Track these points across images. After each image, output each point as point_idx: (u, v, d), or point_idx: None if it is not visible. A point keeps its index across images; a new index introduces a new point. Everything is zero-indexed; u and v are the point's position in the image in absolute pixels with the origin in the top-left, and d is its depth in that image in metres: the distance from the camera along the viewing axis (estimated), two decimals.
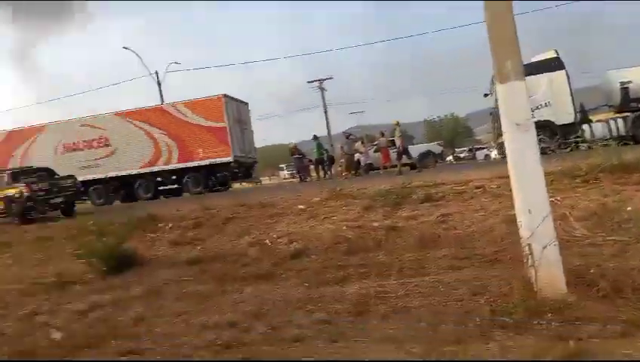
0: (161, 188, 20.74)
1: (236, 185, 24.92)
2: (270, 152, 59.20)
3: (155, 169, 20.27)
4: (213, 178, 20.41)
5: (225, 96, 20.26)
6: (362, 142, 23.22)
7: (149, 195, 20.25)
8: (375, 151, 22.24)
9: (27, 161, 20.21)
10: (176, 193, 20.78)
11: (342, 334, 4.23)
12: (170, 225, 10.82)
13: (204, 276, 7.29)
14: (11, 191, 15.04)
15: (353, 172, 20.60)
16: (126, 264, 8.38)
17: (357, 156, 21.58)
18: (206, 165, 20.20)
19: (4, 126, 21.89)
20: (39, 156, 20.24)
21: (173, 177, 20.61)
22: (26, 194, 14.40)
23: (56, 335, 5.02)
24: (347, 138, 22.16)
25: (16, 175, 15.63)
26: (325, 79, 46.75)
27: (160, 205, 13.90)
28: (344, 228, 8.12)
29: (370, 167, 21.97)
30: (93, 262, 8.47)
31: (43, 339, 5.07)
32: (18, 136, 21.41)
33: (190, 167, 20.33)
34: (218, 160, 19.99)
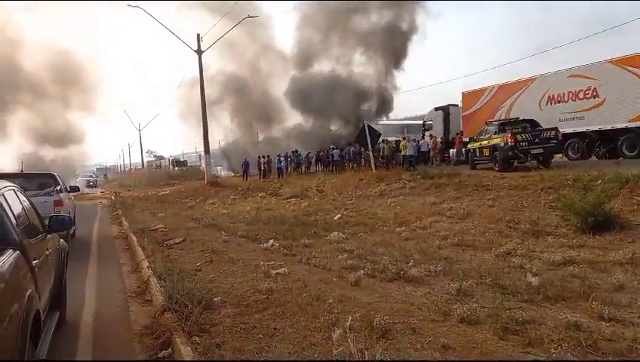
0: None
1: None
2: None
3: None
4: None
5: None
6: None
7: (634, 153, 17.68)
8: None
9: (513, 113, 21.57)
10: None
11: None
12: None
13: None
14: (497, 140, 16.57)
15: None
16: (605, 225, 7.69)
17: None
18: None
19: (501, 80, 23.83)
20: (525, 108, 21.15)
21: None
22: (510, 143, 15.52)
23: (533, 279, 5.15)
24: None
25: (503, 125, 17.04)
26: None
27: None
28: None
29: None
30: (569, 216, 8.23)
31: (518, 280, 5.34)
32: (508, 89, 23.00)
33: None
34: None
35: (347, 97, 33.63)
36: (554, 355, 3.41)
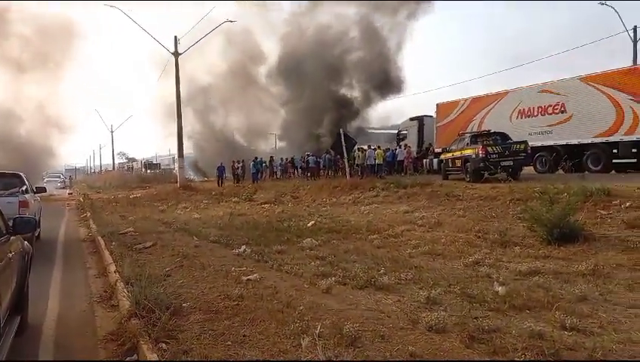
0: (616, 161, 18.26)
1: None
2: None
3: (613, 139, 18.00)
4: None
5: None
6: None
7: (598, 168, 18.33)
8: None
9: (485, 125, 22.06)
10: (638, 168, 17.82)
11: None
12: (627, 203, 9.44)
13: None
14: (468, 152, 16.91)
15: None
16: (569, 237, 7.92)
17: None
18: None
19: (475, 93, 24.30)
20: (496, 121, 21.65)
21: (634, 150, 17.73)
22: (481, 155, 15.85)
23: (499, 289, 5.26)
24: None
25: (475, 138, 17.41)
26: None
27: (614, 180, 12.29)
28: None
29: None
30: (536, 228, 8.44)
31: (486, 289, 5.45)
32: (481, 102, 23.54)
33: None
34: None
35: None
36: None
